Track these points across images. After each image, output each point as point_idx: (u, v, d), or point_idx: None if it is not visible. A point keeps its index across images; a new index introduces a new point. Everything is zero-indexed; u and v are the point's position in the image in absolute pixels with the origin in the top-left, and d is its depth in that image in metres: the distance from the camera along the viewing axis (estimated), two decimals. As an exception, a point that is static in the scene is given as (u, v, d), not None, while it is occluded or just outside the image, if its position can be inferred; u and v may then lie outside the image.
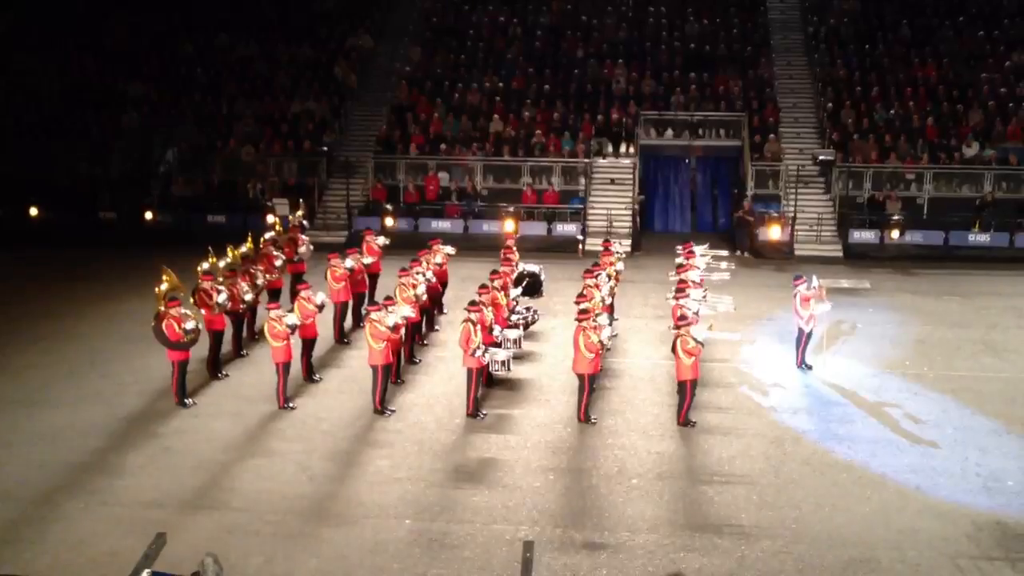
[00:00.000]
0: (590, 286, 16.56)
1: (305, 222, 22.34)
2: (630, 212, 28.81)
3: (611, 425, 14.48)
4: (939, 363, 17.50)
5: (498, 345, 15.52)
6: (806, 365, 16.94)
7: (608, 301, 17.48)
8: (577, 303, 15.08)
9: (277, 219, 22.08)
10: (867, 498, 12.20)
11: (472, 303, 14.99)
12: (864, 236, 27.20)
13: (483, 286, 16.21)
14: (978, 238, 26.85)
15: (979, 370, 17.16)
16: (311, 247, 20.91)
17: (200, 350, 15.89)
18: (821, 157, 28.43)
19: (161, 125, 31.65)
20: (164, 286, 15.38)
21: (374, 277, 19.86)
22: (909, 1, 33.89)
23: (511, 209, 26.96)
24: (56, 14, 34.84)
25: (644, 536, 11.25)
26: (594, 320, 14.40)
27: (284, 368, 14.94)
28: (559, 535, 11.29)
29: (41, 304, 21.04)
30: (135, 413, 14.89)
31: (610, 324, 17.75)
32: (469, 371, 14.64)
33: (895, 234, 26.31)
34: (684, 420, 14.40)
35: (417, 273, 17.27)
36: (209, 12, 35.51)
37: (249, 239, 18.89)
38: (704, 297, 16.70)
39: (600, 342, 14.23)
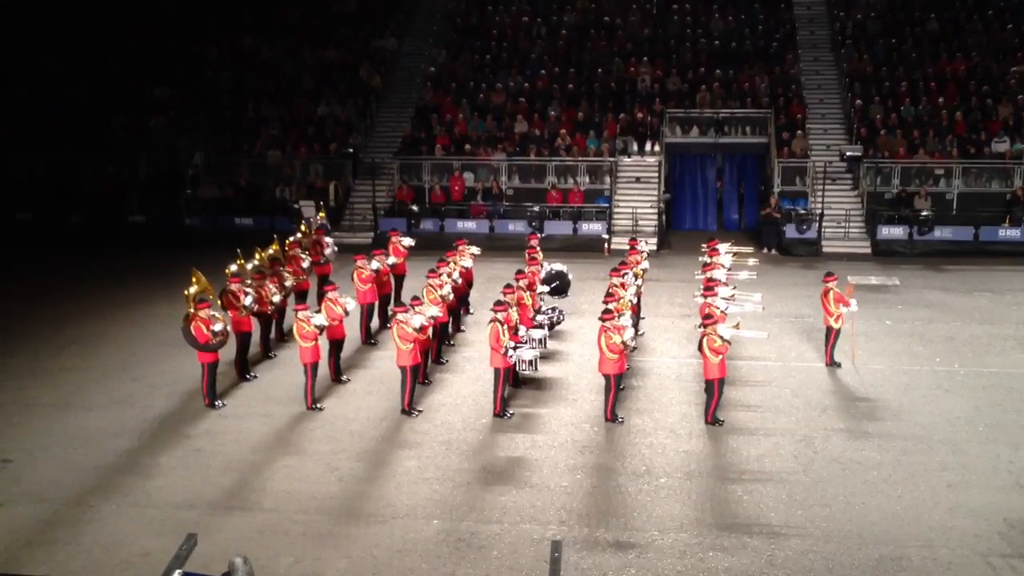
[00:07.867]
0: (616, 285, 16.53)
1: (328, 224, 22.41)
2: (656, 211, 28.74)
3: (638, 424, 14.44)
4: (969, 360, 17.31)
5: (524, 345, 15.53)
6: (835, 363, 16.84)
7: (634, 300, 17.44)
8: (605, 303, 15.03)
9: (311, 218, 22.15)
10: (898, 496, 12.09)
11: (498, 303, 15.00)
12: (893, 232, 27.03)
13: (508, 286, 16.22)
14: (1008, 233, 26.62)
15: (1010, 366, 16.95)
16: (335, 248, 21.01)
17: (229, 352, 16.02)
18: (849, 153, 28.27)
19: (187, 129, 31.96)
20: (193, 288, 15.50)
21: (400, 278, 19.93)
22: (937, -5, 33.63)
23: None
24: (80, 18, 35.21)
25: (672, 535, 11.21)
26: (617, 320, 14.35)
27: (312, 369, 15.02)
28: (587, 534, 11.26)
29: (72, 307, 21.28)
30: (166, 415, 15.02)
31: (637, 323, 17.78)
32: (496, 371, 14.66)
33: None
34: (712, 419, 14.34)
35: (443, 275, 17.31)
36: (233, 16, 35.83)
37: (276, 241, 19.01)
38: (732, 295, 16.63)
39: (623, 343, 14.17)
